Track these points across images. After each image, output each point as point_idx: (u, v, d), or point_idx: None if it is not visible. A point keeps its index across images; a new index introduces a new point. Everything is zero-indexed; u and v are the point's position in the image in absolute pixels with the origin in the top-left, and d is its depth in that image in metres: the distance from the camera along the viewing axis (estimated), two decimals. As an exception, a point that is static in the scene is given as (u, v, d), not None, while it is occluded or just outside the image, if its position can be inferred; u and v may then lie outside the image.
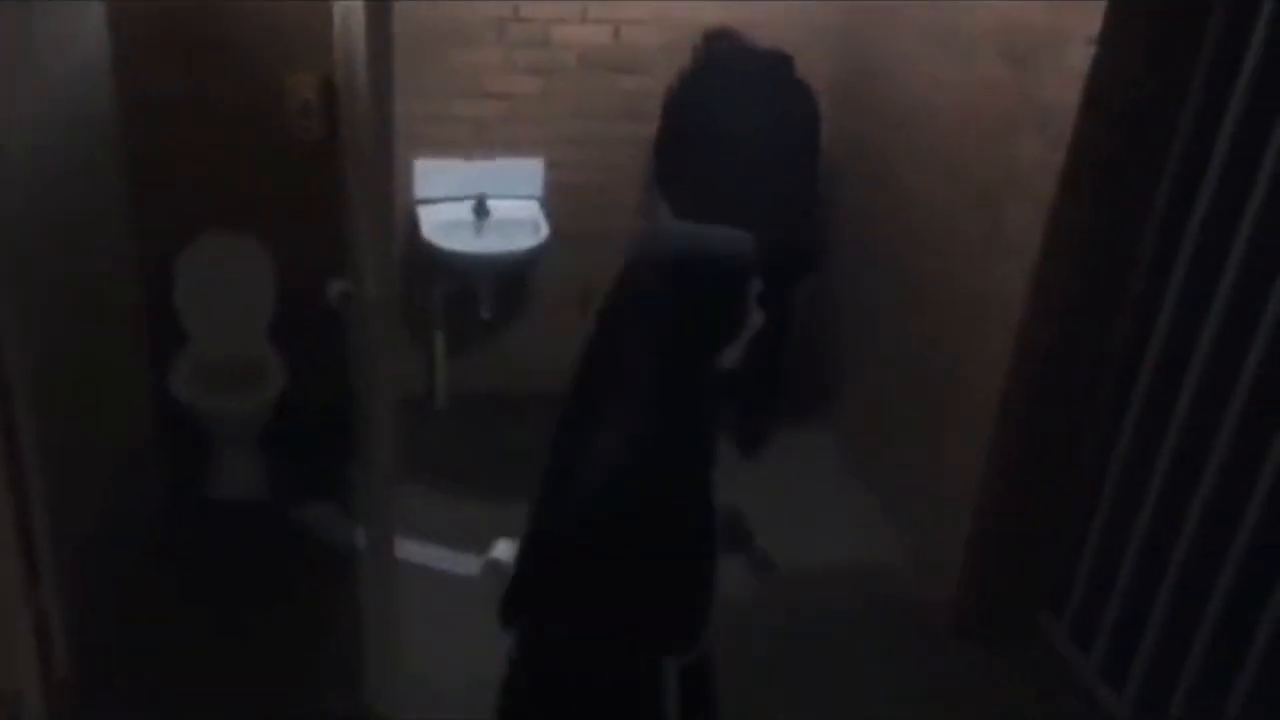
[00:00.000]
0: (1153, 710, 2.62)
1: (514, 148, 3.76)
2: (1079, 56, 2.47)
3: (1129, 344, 2.72)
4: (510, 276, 3.89)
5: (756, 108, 3.45)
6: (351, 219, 2.65)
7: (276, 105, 3.45)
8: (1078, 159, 2.52)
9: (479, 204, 3.70)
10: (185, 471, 3.46)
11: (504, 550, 3.23)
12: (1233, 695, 2.37)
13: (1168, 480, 2.58)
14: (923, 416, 3.31)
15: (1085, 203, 2.58)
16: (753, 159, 3.43)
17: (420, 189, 3.72)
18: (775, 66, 3.53)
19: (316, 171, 3.48)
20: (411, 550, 3.17)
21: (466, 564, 3.25)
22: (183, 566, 3.19)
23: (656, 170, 3.65)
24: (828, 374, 4.09)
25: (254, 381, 3.38)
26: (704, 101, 3.48)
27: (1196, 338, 2.47)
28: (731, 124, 3.42)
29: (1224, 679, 2.39)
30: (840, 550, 3.47)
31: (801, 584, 3.30)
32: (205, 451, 3.45)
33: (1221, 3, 2.38)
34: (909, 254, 3.39)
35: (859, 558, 3.44)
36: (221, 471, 3.45)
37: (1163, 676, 2.59)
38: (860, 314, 3.81)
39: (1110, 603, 2.77)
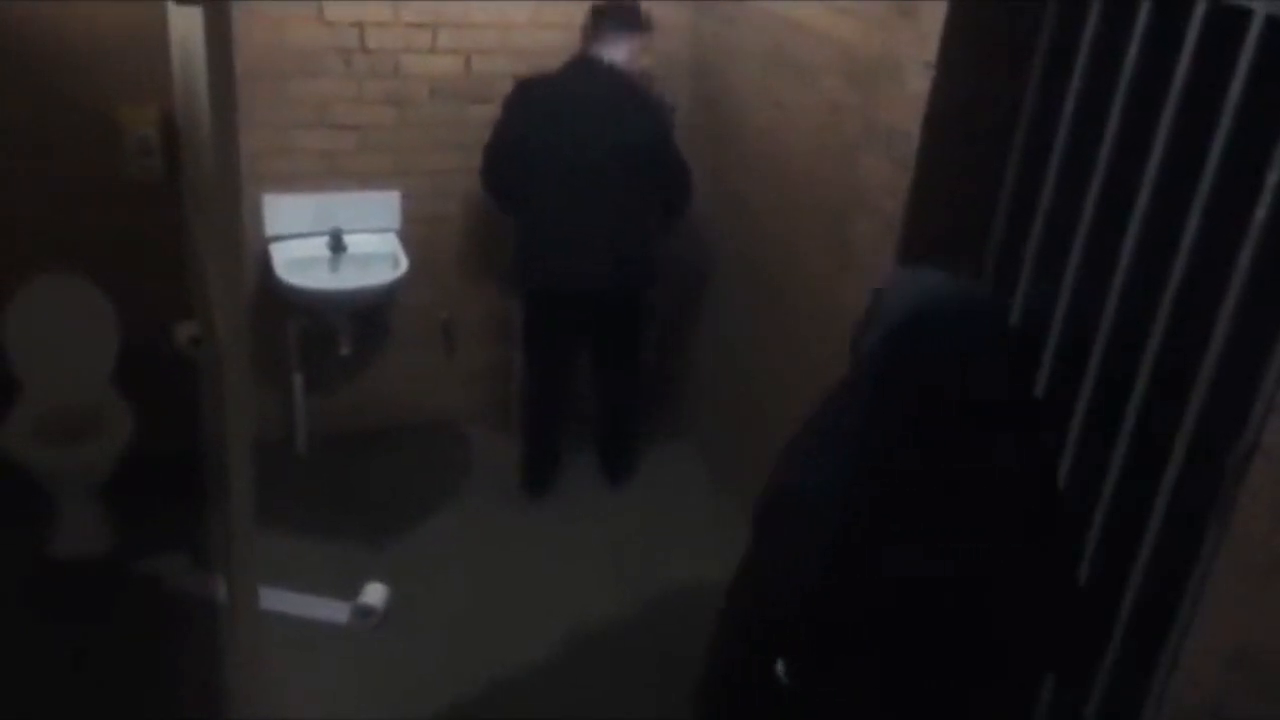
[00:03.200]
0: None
1: (368, 180, 3.69)
2: (918, 80, 2.57)
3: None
4: (369, 311, 3.81)
5: (597, 126, 3.30)
6: (198, 259, 2.55)
7: (112, 140, 3.30)
8: (923, 178, 2.61)
9: (334, 239, 3.61)
10: (24, 530, 3.26)
11: (374, 594, 3.17)
12: (1095, 686, 2.46)
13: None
14: (783, 427, 3.37)
15: (932, 219, 2.67)
16: (591, 177, 3.31)
17: (271, 225, 3.61)
18: (621, 84, 3.38)
19: (158, 210, 3.35)
20: (275, 599, 3.07)
21: (335, 610, 3.15)
22: (24, 635, 2.99)
23: (483, 166, 3.47)
24: (690, 392, 4.13)
25: (96, 432, 3.21)
26: (541, 108, 3.33)
27: (1042, 344, 2.58)
28: (564, 138, 3.29)
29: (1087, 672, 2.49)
30: (708, 568, 3.49)
31: (668, 605, 3.31)
32: (46, 507, 3.25)
33: (1048, 26, 2.51)
34: (765, 274, 3.46)
35: (727, 574, 3.46)
36: (64, 528, 3.26)
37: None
38: (721, 331, 3.86)
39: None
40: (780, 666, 1.59)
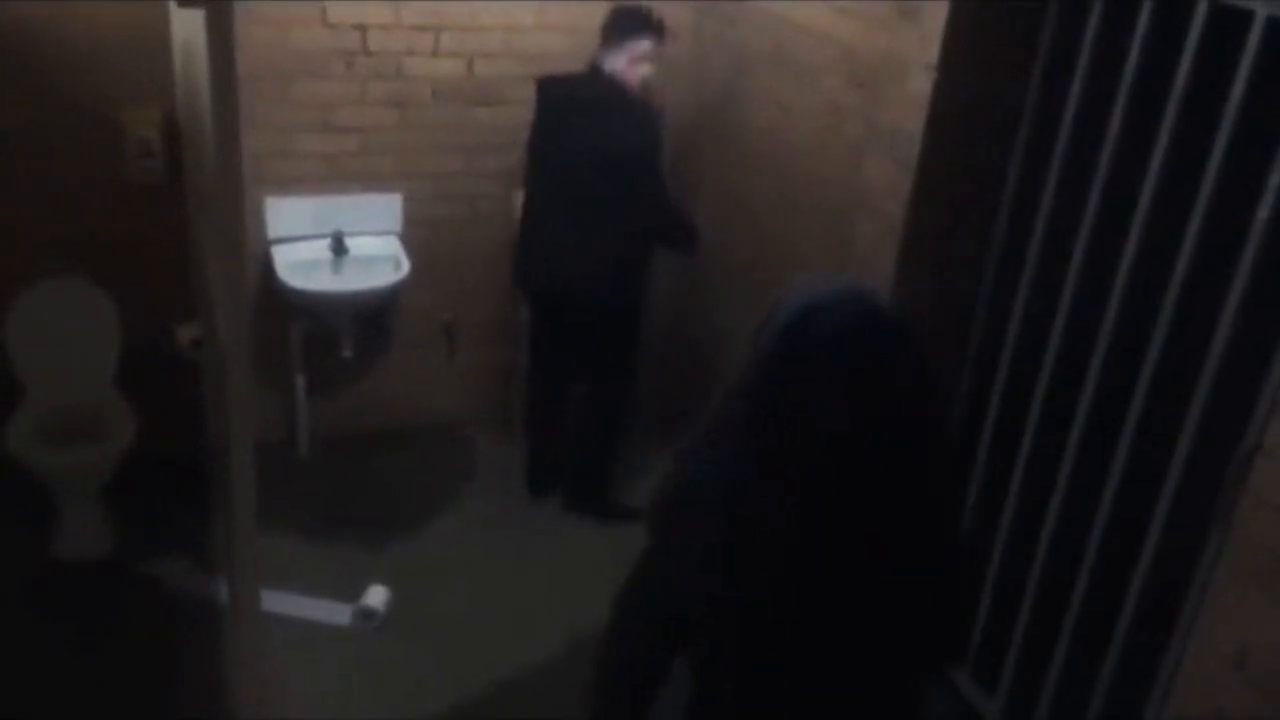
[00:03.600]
0: (1022, 711, 2.71)
1: (370, 182, 3.69)
2: (920, 81, 2.57)
3: (982, 348, 2.82)
4: (371, 314, 3.81)
5: (586, 134, 3.25)
6: (200, 261, 2.55)
7: (114, 143, 3.30)
8: (925, 179, 2.62)
9: (336, 241, 3.62)
10: (26, 532, 3.26)
11: (375, 596, 3.17)
12: (1096, 689, 2.46)
13: (1025, 487, 2.68)
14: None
15: (934, 220, 2.68)
16: (577, 184, 3.27)
17: (273, 228, 3.61)
18: (612, 92, 3.29)
19: (160, 212, 3.35)
20: (277, 601, 3.06)
21: (336, 613, 3.15)
22: (25, 636, 2.99)
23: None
24: (691, 392, 4.12)
25: (98, 433, 3.21)
26: (550, 110, 3.33)
27: (1044, 346, 2.58)
28: (560, 143, 3.28)
29: (1088, 676, 2.48)
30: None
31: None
32: (48, 509, 3.25)
33: (1049, 27, 2.51)
34: (766, 274, 3.46)
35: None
36: (66, 530, 3.26)
37: (1030, 678, 2.68)
38: (722, 332, 3.86)
39: (979, 609, 2.85)
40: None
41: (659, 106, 3.49)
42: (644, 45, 3.29)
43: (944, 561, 1.55)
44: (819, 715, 1.54)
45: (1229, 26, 2.04)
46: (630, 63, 3.29)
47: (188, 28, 2.25)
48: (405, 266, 3.61)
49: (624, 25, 3.29)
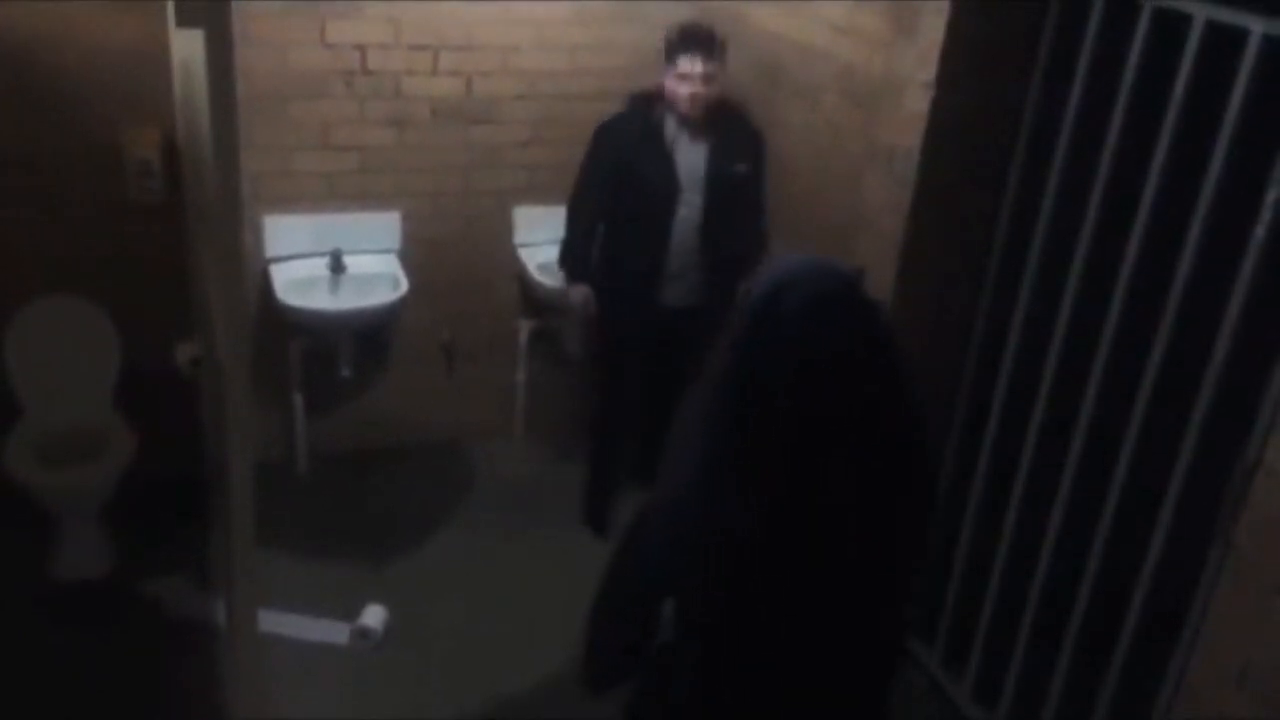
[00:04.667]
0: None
1: (369, 201, 3.70)
2: (918, 98, 2.58)
3: (982, 360, 2.82)
4: (370, 332, 3.81)
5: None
6: (199, 280, 2.55)
7: (114, 163, 3.31)
8: (923, 194, 2.62)
9: (334, 260, 3.62)
10: (25, 552, 3.25)
11: (373, 616, 3.16)
12: (1098, 705, 2.45)
13: (1026, 502, 2.68)
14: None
15: (933, 235, 2.69)
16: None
17: (271, 247, 3.61)
18: (639, 111, 3.34)
19: (160, 232, 3.36)
20: (275, 621, 3.05)
21: (334, 632, 3.14)
22: (24, 656, 2.98)
23: None
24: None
25: (97, 452, 3.21)
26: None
27: (1044, 357, 2.58)
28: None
29: (1090, 691, 2.48)
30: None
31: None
32: (47, 530, 3.25)
33: (1047, 41, 2.52)
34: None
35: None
36: (65, 549, 3.25)
37: (1032, 693, 2.67)
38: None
39: (979, 626, 2.85)
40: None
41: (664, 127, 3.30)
42: (683, 63, 3.17)
43: (912, 546, 1.56)
44: (799, 701, 1.54)
45: (1227, 38, 2.05)
46: (674, 81, 3.21)
47: (187, 48, 2.26)
48: (404, 285, 3.61)
49: (667, 43, 3.22)
